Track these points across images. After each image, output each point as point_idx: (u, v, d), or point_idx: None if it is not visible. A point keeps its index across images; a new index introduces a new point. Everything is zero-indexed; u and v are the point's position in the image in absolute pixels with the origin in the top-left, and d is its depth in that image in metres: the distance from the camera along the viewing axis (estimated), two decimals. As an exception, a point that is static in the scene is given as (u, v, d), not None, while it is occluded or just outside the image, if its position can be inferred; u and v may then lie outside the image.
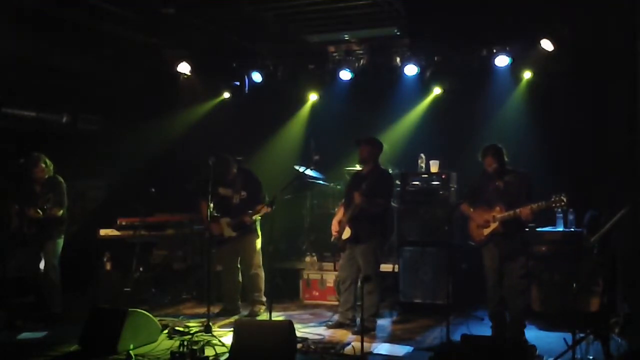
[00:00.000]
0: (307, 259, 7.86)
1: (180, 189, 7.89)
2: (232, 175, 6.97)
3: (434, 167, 7.27)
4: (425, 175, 7.26)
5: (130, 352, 5.27)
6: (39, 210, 6.49)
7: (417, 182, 7.25)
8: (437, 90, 8.21)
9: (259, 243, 6.98)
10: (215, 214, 6.94)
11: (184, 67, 8.46)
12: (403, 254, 7.18)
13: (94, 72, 8.22)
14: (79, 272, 7.33)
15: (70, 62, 7.87)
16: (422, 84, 8.15)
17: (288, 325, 5.17)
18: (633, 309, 5.24)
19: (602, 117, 6.83)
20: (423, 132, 8.19)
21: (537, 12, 6.79)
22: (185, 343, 5.35)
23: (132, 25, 7.34)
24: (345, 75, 8.25)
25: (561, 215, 6.64)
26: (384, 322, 6.69)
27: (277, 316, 6.44)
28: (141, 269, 7.58)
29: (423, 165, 7.42)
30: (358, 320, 6.11)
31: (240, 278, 7.09)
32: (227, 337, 5.72)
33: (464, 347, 4.90)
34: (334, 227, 6.47)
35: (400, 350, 5.62)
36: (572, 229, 6.68)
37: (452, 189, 7.14)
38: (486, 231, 5.88)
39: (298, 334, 5.61)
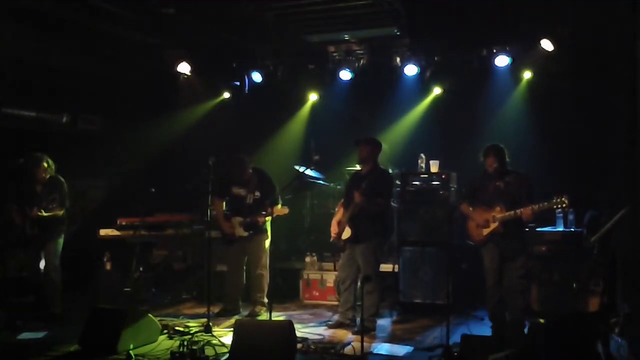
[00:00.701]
0: (307, 259, 7.86)
1: (180, 189, 7.89)
2: (248, 175, 6.96)
3: (434, 167, 7.27)
4: (425, 175, 7.26)
5: (130, 352, 5.27)
6: (42, 211, 6.49)
7: (417, 182, 7.25)
8: (437, 90, 8.21)
9: (267, 243, 6.97)
10: (226, 213, 6.96)
11: (184, 67, 8.46)
12: (403, 254, 7.18)
13: (94, 72, 8.23)
14: (79, 272, 7.34)
15: (70, 62, 7.88)
16: (422, 84, 8.15)
17: (288, 325, 5.17)
18: (633, 309, 5.23)
19: (602, 117, 6.83)
20: (423, 132, 8.19)
21: (537, 12, 6.79)
22: (185, 343, 5.34)
23: (132, 25, 7.34)
24: (345, 75, 8.26)
25: (561, 215, 6.65)
26: (384, 322, 6.69)
27: (277, 316, 6.44)
28: (141, 269, 7.57)
29: (423, 165, 7.42)
30: (358, 320, 6.11)
31: (244, 278, 7.09)
32: (227, 337, 5.72)
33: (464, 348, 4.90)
34: (334, 227, 6.46)
35: (400, 350, 5.62)
36: (572, 229, 6.68)
37: (452, 189, 7.14)
38: (486, 231, 5.88)
39: (298, 334, 5.61)
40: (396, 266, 7.25)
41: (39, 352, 5.55)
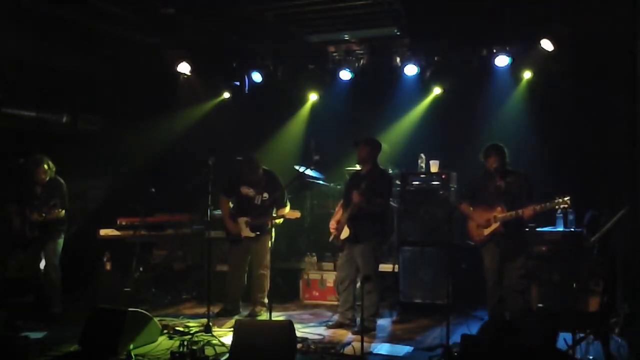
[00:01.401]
0: (307, 259, 7.86)
1: (180, 189, 7.89)
2: (258, 175, 6.95)
3: (434, 167, 7.27)
4: (425, 175, 7.26)
5: (130, 352, 5.27)
6: (43, 214, 6.49)
7: (417, 182, 7.26)
8: (437, 90, 8.21)
9: (270, 243, 6.96)
10: (232, 212, 6.96)
11: (184, 67, 8.45)
12: (403, 254, 7.19)
13: (94, 72, 8.22)
14: (79, 272, 7.33)
15: (70, 62, 7.87)
16: (422, 84, 8.15)
17: (288, 325, 5.17)
18: (633, 309, 5.23)
19: (602, 117, 6.83)
20: (423, 132, 8.19)
21: (537, 12, 6.79)
22: (185, 343, 5.35)
23: (132, 25, 7.34)
24: (345, 75, 8.26)
25: (561, 215, 6.64)
26: (384, 322, 6.70)
27: (277, 316, 6.44)
28: (141, 269, 7.58)
29: (423, 165, 7.42)
30: (358, 320, 6.11)
31: (245, 279, 7.09)
32: (227, 337, 5.72)
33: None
34: (332, 226, 6.46)
35: (400, 350, 5.63)
36: (572, 229, 6.68)
37: (452, 189, 7.14)
38: (487, 231, 5.88)
39: (298, 334, 5.61)
40: (396, 266, 7.25)
41: (39, 352, 5.55)
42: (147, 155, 8.59)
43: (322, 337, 6.04)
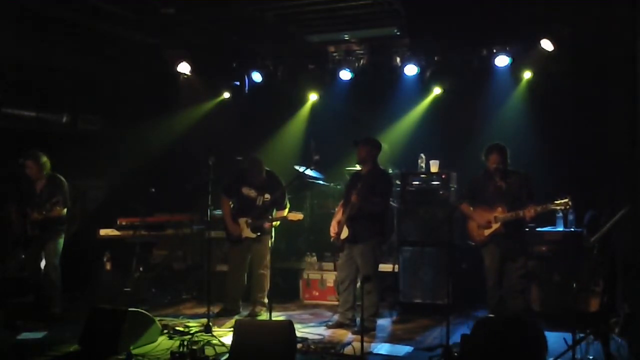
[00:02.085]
0: (307, 259, 7.87)
1: (180, 189, 7.89)
2: (261, 177, 6.94)
3: (434, 167, 7.27)
4: (425, 175, 7.26)
5: (130, 352, 5.27)
6: (43, 212, 6.49)
7: (417, 182, 7.26)
8: (437, 90, 8.21)
9: (270, 242, 6.95)
10: (233, 213, 6.97)
11: (184, 67, 8.46)
12: (403, 254, 7.19)
13: (94, 72, 8.22)
14: (79, 272, 7.33)
15: (70, 62, 7.87)
16: (422, 84, 8.15)
17: (288, 325, 5.17)
18: (633, 309, 5.23)
19: (602, 117, 6.82)
20: (423, 132, 8.19)
21: (537, 12, 6.79)
22: (185, 343, 5.35)
23: (132, 25, 7.34)
24: (345, 75, 8.26)
25: (561, 215, 6.65)
26: (384, 322, 6.70)
27: (277, 316, 6.44)
28: (141, 269, 7.58)
29: (423, 165, 7.42)
30: (358, 320, 6.11)
31: (245, 279, 7.09)
32: (227, 337, 5.72)
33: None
34: (333, 227, 6.47)
35: (400, 350, 5.63)
36: (572, 229, 6.69)
37: (452, 189, 7.14)
38: (487, 231, 5.88)
39: (298, 334, 5.61)
40: (396, 266, 7.25)
41: (39, 352, 5.55)
42: (147, 155, 8.59)
43: (322, 337, 6.04)
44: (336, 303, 7.01)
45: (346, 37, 7.92)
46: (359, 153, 6.37)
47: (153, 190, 7.53)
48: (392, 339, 6.08)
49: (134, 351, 5.32)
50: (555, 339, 5.35)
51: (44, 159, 6.69)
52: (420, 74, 8.01)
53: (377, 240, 6.32)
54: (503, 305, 5.90)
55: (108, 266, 7.57)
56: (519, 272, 5.83)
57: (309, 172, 7.51)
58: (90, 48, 7.78)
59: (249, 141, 8.47)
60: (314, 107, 9.03)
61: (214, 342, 5.64)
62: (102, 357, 5.32)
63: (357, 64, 8.26)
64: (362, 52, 8.21)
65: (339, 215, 6.49)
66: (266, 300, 6.90)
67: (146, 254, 7.85)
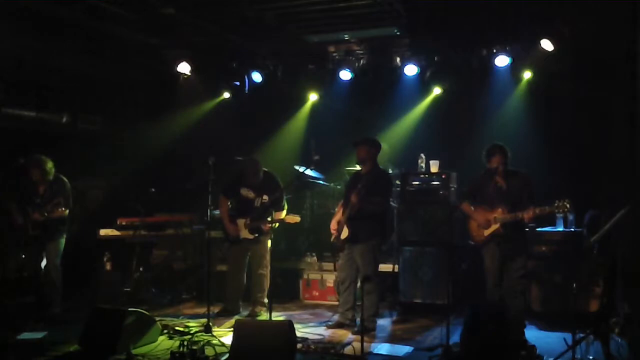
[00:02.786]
0: (307, 259, 7.87)
1: (180, 189, 7.89)
2: (259, 178, 6.94)
3: (434, 167, 7.27)
4: (425, 175, 7.26)
5: (131, 352, 5.27)
6: (45, 214, 6.49)
7: (417, 182, 7.25)
8: (437, 90, 8.20)
9: (269, 242, 6.96)
10: (232, 214, 6.97)
11: (184, 67, 8.46)
12: (403, 254, 7.18)
13: (93, 72, 8.22)
14: (79, 272, 7.33)
15: (70, 62, 7.88)
16: (422, 84, 8.15)
17: (288, 325, 5.18)
18: (633, 309, 5.23)
19: (602, 117, 6.83)
20: (423, 132, 8.20)
21: (537, 12, 6.79)
22: (185, 343, 5.35)
23: (132, 25, 7.33)
24: (345, 75, 8.26)
25: (561, 215, 6.65)
26: (384, 322, 6.70)
27: (277, 316, 6.44)
28: (141, 269, 7.58)
29: (423, 165, 7.42)
30: (358, 320, 6.11)
31: (244, 279, 7.09)
32: (227, 337, 5.72)
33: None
34: (333, 227, 6.47)
35: (400, 350, 5.63)
36: (572, 229, 6.69)
37: (452, 189, 7.14)
38: (487, 232, 5.88)
39: (298, 334, 5.61)
40: (396, 266, 7.25)
41: (39, 352, 5.55)
42: (147, 155, 8.59)
43: (322, 337, 6.04)
44: (336, 303, 7.01)
45: (346, 37, 7.92)
46: (358, 153, 6.37)
47: (153, 190, 7.52)
48: (392, 339, 6.08)
49: (134, 351, 5.32)
50: (555, 339, 5.36)
51: (49, 165, 6.68)
52: (420, 74, 8.01)
53: (377, 240, 6.32)
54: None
55: (108, 266, 7.57)
56: (519, 272, 5.82)
57: (309, 172, 7.51)
58: (90, 48, 7.78)
59: (249, 141, 8.47)
60: (314, 107, 9.03)
61: (214, 342, 5.64)
62: (102, 357, 5.32)
63: (357, 64, 8.26)
64: (362, 52, 8.21)
65: (339, 215, 6.49)
66: (266, 300, 6.90)
67: (146, 254, 7.85)
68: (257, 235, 6.88)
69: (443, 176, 7.15)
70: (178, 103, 8.94)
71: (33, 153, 6.73)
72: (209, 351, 5.38)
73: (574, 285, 5.96)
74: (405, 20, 7.19)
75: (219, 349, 5.45)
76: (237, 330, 5.21)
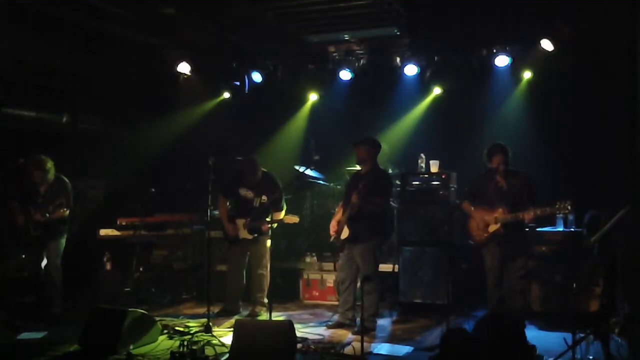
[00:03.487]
0: (307, 259, 7.87)
1: (180, 189, 7.88)
2: (258, 178, 6.95)
3: (434, 167, 7.27)
4: (425, 175, 7.26)
5: (130, 352, 5.27)
6: (47, 214, 6.49)
7: (417, 182, 7.25)
8: (437, 90, 8.20)
9: (269, 242, 6.96)
10: (231, 214, 6.97)
11: (184, 67, 8.45)
12: (403, 254, 7.18)
13: (93, 72, 8.23)
14: (79, 272, 7.33)
15: (70, 62, 7.87)
16: (422, 84, 8.15)
17: (288, 325, 5.18)
18: (633, 309, 5.23)
19: (602, 117, 6.83)
20: (423, 132, 8.20)
21: (537, 12, 6.79)
22: (185, 343, 5.35)
23: (132, 25, 7.34)
24: (345, 75, 8.26)
25: (561, 215, 6.64)
26: (384, 322, 6.69)
27: (277, 316, 6.44)
28: (141, 269, 7.58)
29: (423, 165, 7.42)
30: (358, 320, 6.11)
31: (244, 279, 7.09)
32: (227, 337, 5.72)
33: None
34: (333, 227, 6.47)
35: (400, 350, 5.62)
36: (572, 229, 6.69)
37: (452, 189, 7.14)
38: (487, 232, 5.87)
39: (298, 334, 5.61)
40: (396, 266, 7.25)
41: (39, 352, 5.55)
42: (147, 155, 8.59)
43: (322, 337, 6.04)
44: (336, 303, 7.00)
45: (346, 37, 7.92)
46: (358, 153, 6.37)
47: (153, 190, 7.52)
48: (392, 339, 6.08)
49: (134, 351, 5.32)
50: (555, 339, 5.36)
51: (49, 164, 6.67)
52: (420, 74, 8.01)
53: (377, 240, 6.32)
54: (503, 306, 5.89)
55: (108, 266, 7.57)
56: (519, 272, 5.82)
57: (309, 172, 7.51)
58: (90, 48, 7.78)
59: (249, 141, 8.47)
60: (314, 107, 9.03)
61: (214, 342, 5.64)
62: (102, 357, 5.32)
63: (357, 64, 8.26)
64: (362, 52, 8.21)
65: (339, 215, 6.49)
66: (266, 300, 6.90)
67: (146, 254, 7.85)
68: (256, 235, 6.89)
69: (443, 176, 7.15)
70: (178, 103, 8.94)
71: (33, 153, 6.73)
72: (209, 351, 5.38)
73: (574, 285, 5.96)
74: (405, 20, 7.19)
75: (219, 349, 5.45)
76: (237, 330, 5.21)
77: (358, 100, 8.52)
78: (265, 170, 7.02)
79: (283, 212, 6.96)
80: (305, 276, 7.79)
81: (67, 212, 6.65)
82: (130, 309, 5.63)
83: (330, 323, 6.55)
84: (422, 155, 7.46)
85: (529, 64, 7.54)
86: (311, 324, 6.58)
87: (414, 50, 7.90)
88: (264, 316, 6.77)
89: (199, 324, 6.27)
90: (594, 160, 7.01)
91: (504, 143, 5.95)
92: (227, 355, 5.23)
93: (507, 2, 6.66)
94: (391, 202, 7.05)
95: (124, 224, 7.77)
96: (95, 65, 8.15)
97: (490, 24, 7.14)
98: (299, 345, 5.45)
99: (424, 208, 7.14)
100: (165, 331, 6.03)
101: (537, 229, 6.66)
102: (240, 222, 6.93)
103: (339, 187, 8.04)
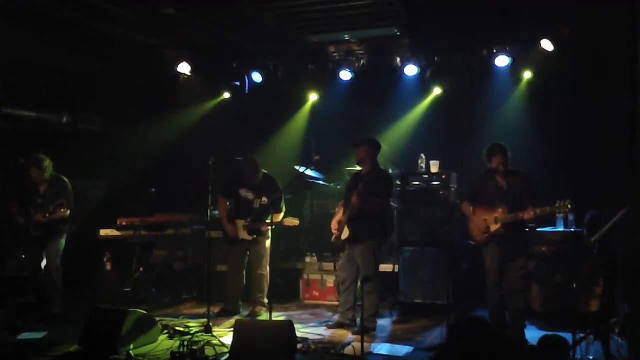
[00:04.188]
0: (307, 259, 7.86)
1: (180, 189, 7.88)
2: (258, 179, 6.95)
3: (434, 167, 7.27)
4: (425, 175, 7.26)
5: (130, 352, 5.27)
6: (47, 215, 6.49)
7: (417, 182, 7.25)
8: (437, 90, 8.20)
9: (268, 242, 6.96)
10: (230, 214, 6.97)
11: (184, 67, 8.46)
12: (403, 254, 7.18)
13: (94, 72, 8.23)
14: (79, 272, 7.33)
15: (70, 62, 7.88)
16: (422, 84, 8.15)
17: (288, 325, 5.18)
18: (633, 309, 5.23)
19: (601, 117, 6.83)
20: (423, 132, 8.20)
21: (537, 12, 6.79)
22: (185, 343, 5.35)
23: (132, 25, 7.34)
24: (345, 75, 8.26)
25: (561, 215, 6.64)
26: (384, 322, 6.69)
27: (277, 316, 6.44)
28: (141, 269, 7.58)
29: (423, 165, 7.42)
30: (358, 320, 6.11)
31: (244, 279, 7.09)
32: (227, 337, 5.72)
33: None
34: (333, 227, 6.47)
35: (400, 350, 5.63)
36: (572, 229, 6.69)
37: (452, 189, 7.14)
38: (487, 232, 5.87)
39: (298, 334, 5.61)
40: (396, 266, 7.25)
41: (39, 352, 5.55)
42: (147, 155, 8.59)
43: (322, 337, 6.04)
44: (336, 303, 7.01)
45: (346, 37, 7.92)
46: (358, 153, 6.36)
47: (153, 190, 7.52)
48: (392, 339, 6.08)
49: (134, 351, 5.32)
50: (555, 339, 5.35)
51: (47, 162, 6.67)
52: (420, 74, 8.01)
53: (377, 240, 6.32)
54: (503, 306, 5.89)
55: (108, 266, 7.56)
56: (519, 272, 5.82)
57: (309, 172, 7.51)
58: (90, 48, 7.78)
59: (249, 141, 8.47)
60: (314, 107, 9.03)
61: (214, 342, 5.64)
62: (102, 357, 5.32)
63: (357, 64, 8.26)
64: (362, 52, 8.22)
65: (339, 215, 6.49)
66: (266, 300, 6.90)
67: (146, 254, 7.84)
68: (255, 236, 6.89)
69: (443, 176, 7.15)
70: (178, 103, 8.94)
71: (33, 153, 6.73)
72: (209, 351, 5.38)
73: (574, 285, 5.97)
74: (405, 20, 7.20)
75: (219, 349, 5.45)
76: (237, 330, 5.21)
77: (358, 100, 8.52)
78: (265, 171, 7.02)
79: (282, 214, 6.96)
80: (305, 276, 7.79)
81: (68, 212, 6.64)
82: (130, 309, 5.63)
83: (330, 323, 6.55)
84: (422, 155, 7.46)
85: (529, 64, 7.54)
86: (311, 324, 6.58)
87: (414, 50, 7.90)
88: (264, 316, 6.76)
89: (199, 324, 6.27)
90: (594, 160, 7.01)
91: (503, 143, 5.95)
92: (227, 355, 5.23)
93: (507, 2, 6.66)
94: (391, 202, 7.05)
95: (124, 224, 7.76)
96: (95, 65, 8.16)
97: (490, 24, 7.15)
98: (299, 345, 5.45)
99: (424, 208, 7.14)
100: (165, 331, 6.03)
101: (537, 229, 6.66)
102: (240, 222, 6.93)
103: (339, 187, 8.04)
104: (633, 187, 5.35)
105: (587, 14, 6.58)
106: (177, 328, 6.14)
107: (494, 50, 7.53)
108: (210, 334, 5.89)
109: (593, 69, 6.91)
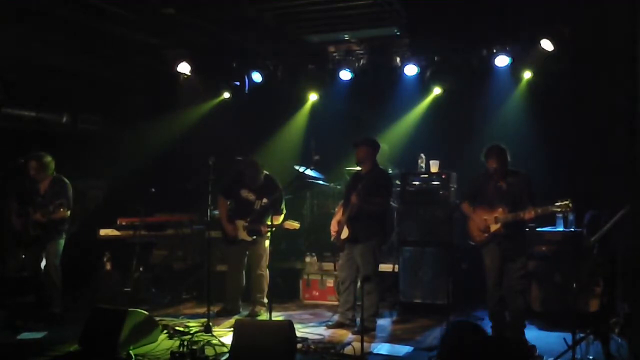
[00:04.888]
0: (307, 259, 7.87)
1: (180, 189, 7.87)
2: (259, 180, 6.95)
3: (434, 167, 7.27)
4: (425, 175, 7.26)
5: (130, 352, 5.27)
6: (46, 215, 6.49)
7: (417, 182, 7.25)
8: (437, 90, 8.20)
9: (267, 242, 6.96)
10: (230, 215, 6.97)
11: (184, 67, 8.46)
12: (403, 254, 7.19)
13: (94, 72, 8.23)
14: (79, 272, 7.33)
15: (70, 62, 7.88)
16: (422, 84, 8.15)
17: (288, 325, 5.17)
18: (633, 309, 5.23)
19: (602, 117, 6.82)
20: (423, 132, 8.20)
21: (537, 12, 6.79)
22: (185, 343, 5.35)
23: (132, 25, 7.34)
24: (345, 75, 8.26)
25: (561, 215, 6.64)
26: (384, 322, 6.70)
27: (277, 316, 6.44)
28: (141, 269, 7.57)
29: (423, 165, 7.42)
30: (358, 320, 6.11)
31: (244, 279, 7.09)
32: (227, 337, 5.72)
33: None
34: (333, 227, 6.47)
35: (400, 350, 5.63)
36: (572, 229, 6.69)
37: (452, 189, 7.14)
38: (487, 232, 5.87)
39: (298, 334, 5.61)
40: (396, 266, 7.25)
41: (39, 352, 5.55)
42: (147, 155, 8.60)
43: (322, 337, 6.05)
44: (336, 303, 7.01)
45: (346, 37, 7.92)
46: (358, 153, 6.37)
47: (153, 190, 7.51)
48: (392, 339, 6.08)
49: (134, 351, 5.32)
50: (555, 339, 5.36)
51: (48, 159, 6.68)
52: (420, 74, 8.01)
53: (377, 240, 6.32)
54: (503, 306, 5.89)
55: (108, 266, 7.56)
56: (519, 272, 5.82)
57: (309, 172, 7.51)
58: (90, 48, 7.78)
59: (249, 141, 8.47)
60: (314, 107, 9.03)
61: (214, 342, 5.64)
62: (102, 357, 5.32)
63: (357, 64, 8.26)
64: (362, 52, 8.21)
65: (339, 215, 6.49)
66: (266, 300, 6.90)
67: (146, 254, 7.85)
68: (254, 237, 6.89)
69: (443, 176, 7.15)
70: (178, 103, 8.94)
71: (33, 153, 6.72)
72: (209, 351, 5.38)
73: (574, 285, 5.97)
74: (405, 20, 7.19)
75: (219, 349, 5.45)
76: (237, 330, 5.21)
77: (358, 100, 8.51)
78: (267, 173, 7.02)
79: (282, 217, 6.97)
80: (305, 276, 7.79)
81: (68, 212, 6.64)
82: (130, 309, 5.62)
83: (330, 323, 6.55)
84: (422, 155, 7.46)
85: (529, 64, 7.54)
86: (311, 324, 6.58)
87: (414, 50, 7.90)
88: (264, 316, 6.77)
89: (199, 324, 6.27)
90: (594, 160, 7.00)
91: (503, 143, 5.94)
92: (227, 355, 5.24)
93: (507, 2, 6.66)
94: (391, 202, 7.05)
95: (124, 224, 7.77)
96: (95, 65, 8.16)
97: (490, 24, 7.15)
98: (299, 345, 5.45)
99: (424, 208, 7.14)
100: (165, 331, 6.03)
101: (537, 229, 6.66)
102: (240, 223, 6.93)
103: (339, 187, 8.04)
104: (633, 187, 5.35)
105: (587, 14, 6.58)
106: (177, 328, 6.14)
107: (494, 50, 7.53)
108: (210, 334, 5.89)
109: (593, 69, 6.90)
